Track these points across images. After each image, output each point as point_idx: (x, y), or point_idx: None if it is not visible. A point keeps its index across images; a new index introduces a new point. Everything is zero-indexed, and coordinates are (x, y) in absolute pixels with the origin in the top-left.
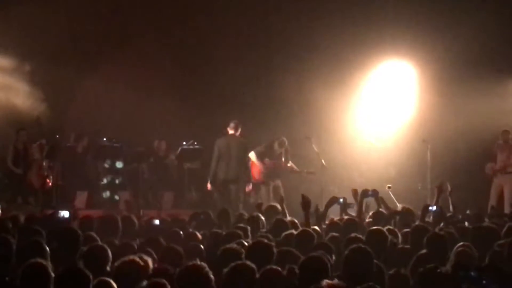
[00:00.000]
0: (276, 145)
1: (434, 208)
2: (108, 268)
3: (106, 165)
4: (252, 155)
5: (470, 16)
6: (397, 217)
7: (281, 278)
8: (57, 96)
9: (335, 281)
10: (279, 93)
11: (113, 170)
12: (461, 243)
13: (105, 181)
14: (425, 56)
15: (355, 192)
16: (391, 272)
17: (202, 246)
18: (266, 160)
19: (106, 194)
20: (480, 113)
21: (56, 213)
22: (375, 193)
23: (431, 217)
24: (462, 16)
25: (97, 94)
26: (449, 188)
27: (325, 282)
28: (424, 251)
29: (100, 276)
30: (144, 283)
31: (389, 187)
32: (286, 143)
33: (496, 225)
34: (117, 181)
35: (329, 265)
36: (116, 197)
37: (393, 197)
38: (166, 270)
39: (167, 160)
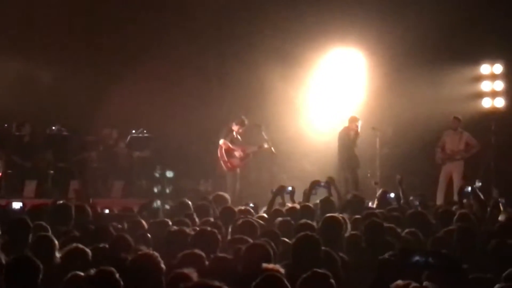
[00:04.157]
0: (235, 126)
1: (393, 195)
2: (56, 258)
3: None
4: (223, 142)
5: (418, 4)
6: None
7: (230, 266)
8: (8, 85)
9: (276, 266)
10: (228, 81)
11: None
12: (407, 230)
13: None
14: (374, 43)
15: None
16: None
17: (149, 235)
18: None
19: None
20: (428, 100)
21: (9, 204)
22: (327, 185)
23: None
24: (411, 4)
25: (48, 83)
26: (399, 177)
27: (264, 265)
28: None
29: (48, 265)
30: (92, 271)
31: (376, 183)
32: (246, 122)
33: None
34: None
35: (271, 252)
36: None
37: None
38: (125, 259)
39: (117, 148)
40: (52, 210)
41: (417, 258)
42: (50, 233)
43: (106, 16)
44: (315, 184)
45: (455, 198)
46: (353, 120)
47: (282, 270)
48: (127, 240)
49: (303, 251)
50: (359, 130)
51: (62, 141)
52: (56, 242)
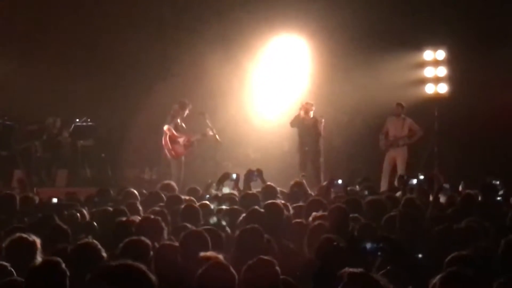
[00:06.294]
0: (179, 110)
1: (340, 181)
2: None
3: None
4: (168, 128)
5: None
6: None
7: (176, 254)
8: None
9: (213, 253)
10: (172, 68)
11: None
12: (351, 216)
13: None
14: (317, 30)
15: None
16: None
17: (95, 223)
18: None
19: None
20: (372, 87)
21: None
22: (259, 173)
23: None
24: None
25: None
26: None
27: (202, 254)
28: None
29: None
30: (38, 260)
31: (303, 176)
32: (188, 102)
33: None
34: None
35: (209, 240)
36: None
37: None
38: (63, 249)
39: (60, 137)
40: None
41: (367, 244)
42: None
43: (48, 6)
44: (249, 176)
45: None
46: (304, 106)
47: (220, 257)
48: (64, 229)
49: (246, 242)
50: (311, 115)
51: (5, 130)
52: None
